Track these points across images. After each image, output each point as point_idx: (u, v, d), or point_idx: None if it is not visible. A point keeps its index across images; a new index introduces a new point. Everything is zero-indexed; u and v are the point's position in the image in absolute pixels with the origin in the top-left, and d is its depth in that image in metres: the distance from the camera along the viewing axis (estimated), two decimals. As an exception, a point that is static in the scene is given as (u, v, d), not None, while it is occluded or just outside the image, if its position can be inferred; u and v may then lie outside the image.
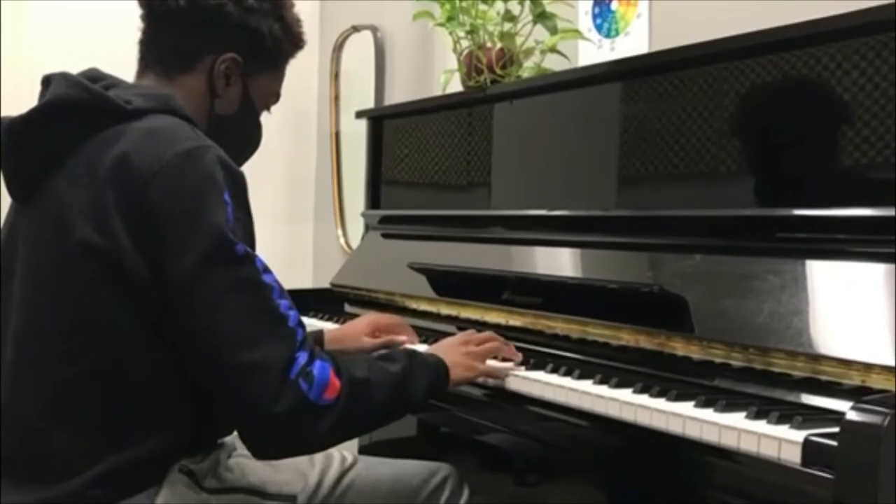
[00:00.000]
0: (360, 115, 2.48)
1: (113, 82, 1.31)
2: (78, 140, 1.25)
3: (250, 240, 1.21)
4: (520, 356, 1.47)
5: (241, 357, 1.13)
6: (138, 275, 1.17)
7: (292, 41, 1.43)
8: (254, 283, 1.17)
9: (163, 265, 1.16)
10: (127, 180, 1.18)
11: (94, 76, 1.31)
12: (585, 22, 2.19)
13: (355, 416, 1.21)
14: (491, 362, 1.45)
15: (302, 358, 1.15)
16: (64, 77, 1.27)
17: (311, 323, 1.96)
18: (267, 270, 1.19)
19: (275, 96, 1.47)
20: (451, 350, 1.40)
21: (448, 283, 1.89)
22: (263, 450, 1.21)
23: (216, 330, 1.14)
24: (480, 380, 1.45)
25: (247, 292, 1.16)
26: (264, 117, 1.48)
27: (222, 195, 1.18)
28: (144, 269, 1.17)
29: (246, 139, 1.45)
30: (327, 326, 1.85)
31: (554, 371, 1.41)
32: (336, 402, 1.17)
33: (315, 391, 1.15)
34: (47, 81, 1.30)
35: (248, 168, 1.38)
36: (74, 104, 1.25)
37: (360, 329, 1.69)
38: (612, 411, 1.24)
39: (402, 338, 1.68)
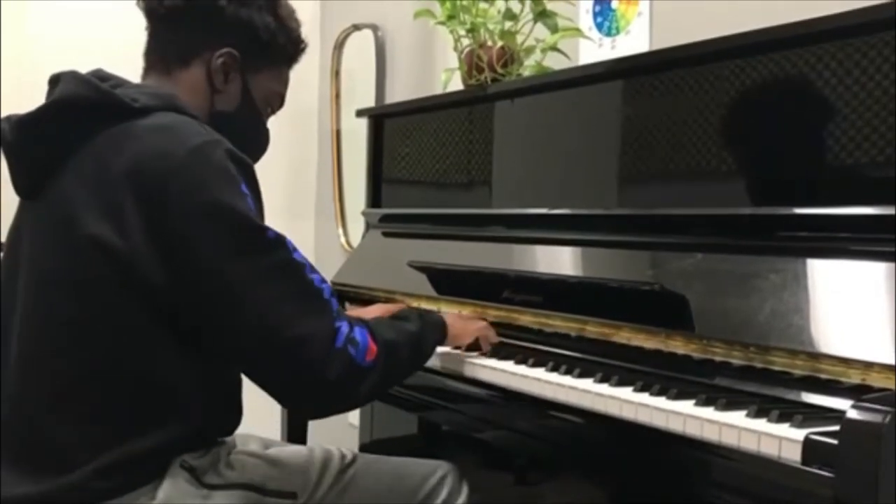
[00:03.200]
0: (360, 113, 2.48)
1: (119, 82, 1.33)
2: (85, 137, 1.26)
3: None
4: (489, 347, 1.57)
5: (290, 332, 1.19)
6: (151, 274, 1.19)
7: (288, 37, 1.44)
8: (290, 265, 1.23)
9: (192, 259, 1.18)
10: (142, 180, 1.20)
11: (101, 76, 1.33)
12: (586, 20, 2.19)
13: (390, 374, 1.31)
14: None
15: (344, 327, 1.24)
16: (73, 75, 1.29)
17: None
18: (295, 249, 1.25)
19: (278, 98, 1.48)
20: (452, 315, 1.56)
21: (449, 281, 1.89)
22: (316, 412, 1.35)
23: (263, 311, 1.19)
24: (480, 377, 1.47)
25: (285, 274, 1.23)
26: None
27: (239, 186, 1.22)
28: (159, 270, 1.19)
29: (249, 137, 1.44)
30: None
31: (554, 369, 1.41)
32: (376, 362, 1.26)
33: (360, 355, 1.24)
34: (55, 80, 1.31)
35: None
36: (83, 101, 1.26)
37: (377, 312, 1.73)
38: (612, 410, 1.24)
39: None
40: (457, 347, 1.58)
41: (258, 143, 1.48)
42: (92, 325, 1.21)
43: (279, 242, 1.23)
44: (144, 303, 1.20)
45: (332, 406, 1.29)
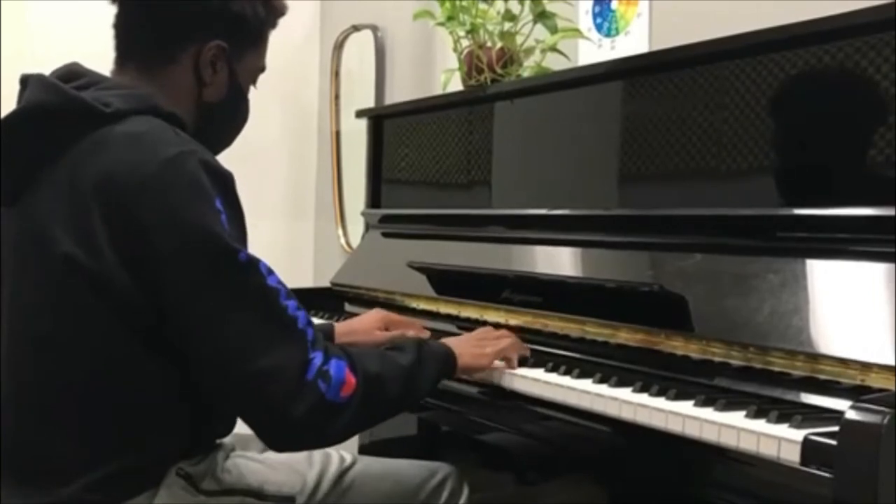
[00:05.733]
0: (360, 114, 2.48)
1: (92, 80, 1.26)
2: (58, 145, 1.21)
3: (244, 241, 1.20)
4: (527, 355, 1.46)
5: (256, 364, 1.13)
6: (124, 289, 1.15)
7: (276, 15, 1.38)
8: (260, 289, 1.16)
9: (159, 280, 1.14)
10: (111, 194, 1.15)
11: (70, 74, 1.27)
12: (586, 21, 2.19)
13: (370, 410, 1.23)
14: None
15: (317, 358, 1.16)
16: (40, 80, 1.24)
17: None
18: (271, 273, 1.18)
19: (260, 71, 1.41)
20: (463, 341, 1.43)
21: (448, 281, 1.89)
22: (283, 447, 1.24)
23: (228, 340, 1.14)
24: (480, 377, 1.45)
25: (255, 299, 1.15)
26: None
27: (213, 202, 1.15)
28: (130, 284, 1.15)
29: (235, 120, 1.41)
30: (327, 325, 1.85)
31: (553, 370, 1.41)
32: (352, 398, 1.18)
33: (333, 391, 1.16)
34: (24, 83, 1.26)
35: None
36: (49, 108, 1.21)
37: (372, 322, 1.68)
38: (612, 410, 1.24)
39: (413, 333, 1.69)
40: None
41: (242, 120, 1.42)
42: (73, 341, 1.19)
43: (251, 266, 1.15)
44: (122, 320, 1.17)
45: (302, 443, 1.22)
